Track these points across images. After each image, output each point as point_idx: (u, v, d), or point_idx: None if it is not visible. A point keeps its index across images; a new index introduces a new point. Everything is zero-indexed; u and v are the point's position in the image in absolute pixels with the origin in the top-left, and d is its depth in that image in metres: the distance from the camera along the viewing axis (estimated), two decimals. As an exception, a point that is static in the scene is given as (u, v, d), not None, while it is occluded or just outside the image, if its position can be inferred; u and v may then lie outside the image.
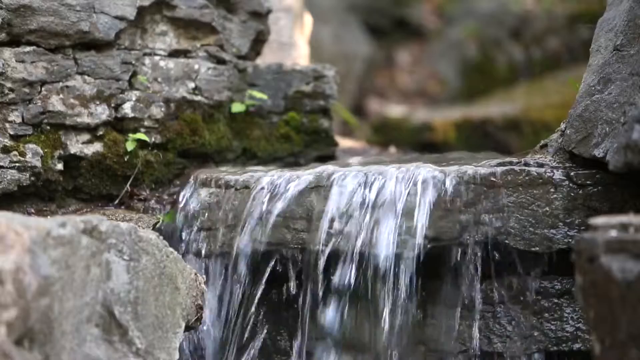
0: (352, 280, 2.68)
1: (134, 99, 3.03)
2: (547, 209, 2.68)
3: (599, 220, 2.00)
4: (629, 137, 2.30)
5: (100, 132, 3.00)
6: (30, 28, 2.88)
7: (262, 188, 2.79)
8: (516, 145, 5.28)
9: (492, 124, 5.70)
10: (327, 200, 2.72)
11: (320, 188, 2.75)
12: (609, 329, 1.90)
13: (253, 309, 2.80)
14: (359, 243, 2.68)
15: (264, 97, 3.24)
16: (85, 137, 2.99)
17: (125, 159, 3.02)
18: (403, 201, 2.68)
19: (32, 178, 2.87)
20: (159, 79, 3.09)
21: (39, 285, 1.96)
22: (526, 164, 2.74)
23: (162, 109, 3.08)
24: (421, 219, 2.66)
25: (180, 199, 2.99)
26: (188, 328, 2.40)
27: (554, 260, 2.68)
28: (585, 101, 2.75)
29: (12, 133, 2.87)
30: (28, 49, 2.89)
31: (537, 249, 2.67)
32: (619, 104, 2.66)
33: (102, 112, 2.98)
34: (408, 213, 2.67)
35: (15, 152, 2.84)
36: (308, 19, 4.57)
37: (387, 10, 7.56)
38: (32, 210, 2.93)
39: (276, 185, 2.78)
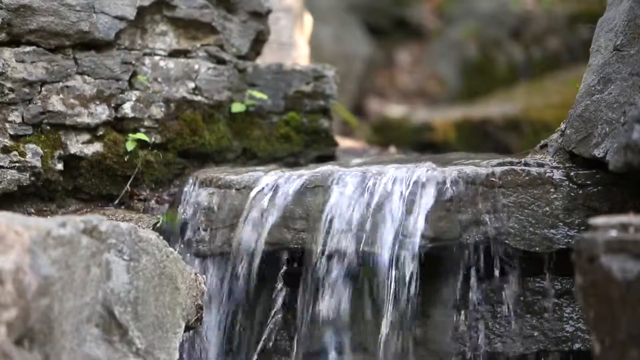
0: (352, 280, 2.68)
1: (134, 99, 3.03)
2: (547, 209, 2.68)
3: (599, 220, 2.00)
4: (629, 137, 2.30)
5: (100, 132, 3.00)
6: (30, 28, 2.88)
7: (262, 188, 2.79)
8: (516, 145, 5.27)
9: (492, 124, 5.70)
10: (327, 200, 2.72)
11: (320, 188, 2.75)
12: (609, 329, 1.90)
13: (253, 309, 2.80)
14: (358, 243, 2.68)
15: (264, 97, 3.24)
16: (85, 137, 2.99)
17: (125, 159, 3.02)
18: (403, 201, 2.68)
19: (32, 178, 2.87)
20: (159, 79, 3.09)
21: (39, 285, 1.96)
22: (526, 164, 2.74)
23: (162, 109, 3.08)
24: (421, 219, 2.66)
25: (180, 199, 2.99)
26: (188, 328, 2.40)
27: (554, 260, 2.68)
28: (585, 101, 2.75)
29: (12, 133, 2.87)
30: (28, 49, 2.89)
31: (537, 249, 2.67)
32: (619, 104, 2.66)
33: (102, 112, 2.98)
34: (408, 213, 2.67)
35: (15, 152, 2.84)
36: (308, 19, 4.57)
37: (387, 10, 7.56)
38: (32, 210, 2.93)
39: (276, 185, 2.78)
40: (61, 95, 2.93)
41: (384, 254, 2.66)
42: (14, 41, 2.89)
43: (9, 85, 2.86)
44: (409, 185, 2.69)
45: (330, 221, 2.71)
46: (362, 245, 2.67)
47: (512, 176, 2.69)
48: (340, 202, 2.71)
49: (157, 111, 3.07)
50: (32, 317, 1.96)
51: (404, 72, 7.39)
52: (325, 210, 2.71)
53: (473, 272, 2.69)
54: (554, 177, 2.70)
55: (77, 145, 2.97)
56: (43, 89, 2.91)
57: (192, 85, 3.14)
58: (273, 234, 2.75)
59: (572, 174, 2.70)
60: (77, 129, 2.97)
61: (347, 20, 7.07)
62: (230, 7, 3.25)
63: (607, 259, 1.90)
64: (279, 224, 2.75)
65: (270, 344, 2.80)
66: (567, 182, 2.70)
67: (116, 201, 3.03)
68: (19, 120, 2.88)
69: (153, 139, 3.06)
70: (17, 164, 2.84)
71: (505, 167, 2.71)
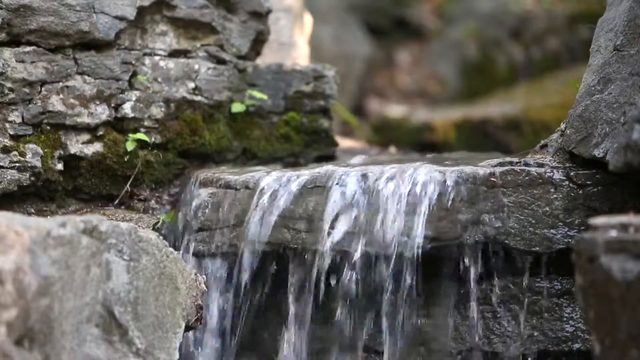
0: (352, 280, 2.68)
1: (134, 99, 3.03)
2: (547, 209, 2.68)
3: (599, 220, 2.00)
4: (629, 137, 2.30)
5: (100, 132, 3.00)
6: (30, 28, 2.88)
7: (262, 188, 2.79)
8: (516, 145, 5.27)
9: (492, 124, 5.69)
10: (327, 201, 2.72)
11: (320, 188, 2.75)
12: (609, 329, 1.90)
13: (253, 309, 2.80)
14: (358, 243, 2.68)
15: (264, 97, 3.24)
16: (85, 137, 2.99)
17: (125, 159, 3.02)
18: (403, 201, 2.68)
19: (32, 178, 2.87)
20: (159, 79, 3.09)
21: (39, 285, 1.96)
22: (526, 164, 2.74)
23: (162, 109, 3.08)
24: (421, 219, 2.66)
25: (180, 199, 2.99)
26: (188, 328, 2.40)
27: (554, 260, 2.68)
28: (585, 101, 2.75)
29: (12, 133, 2.87)
30: (28, 49, 2.89)
31: (537, 249, 2.67)
32: (619, 104, 2.66)
33: (102, 112, 2.98)
34: (408, 213, 2.67)
35: (15, 152, 2.84)
36: (308, 19, 4.57)
37: (387, 10, 7.56)
38: (32, 210, 2.93)
39: (276, 186, 2.78)
40: (61, 95, 2.93)
41: (384, 254, 2.66)
42: (14, 41, 2.89)
43: (9, 85, 2.86)
44: (409, 185, 2.69)
45: (330, 221, 2.70)
46: (362, 246, 2.67)
47: (512, 176, 2.69)
48: (341, 202, 2.71)
49: (157, 111, 3.07)
50: (32, 317, 1.96)
51: (404, 72, 7.39)
52: (326, 211, 2.71)
53: (473, 272, 2.69)
54: (554, 177, 2.70)
55: (77, 145, 2.97)
56: (43, 89, 2.91)
57: (192, 85, 3.14)
58: (273, 234, 2.75)
59: (572, 174, 2.70)
60: (77, 129, 2.97)
61: (347, 20, 7.07)
62: (230, 7, 3.25)
63: (607, 259, 1.90)
64: (279, 224, 2.75)
65: (271, 343, 2.80)
66: (567, 182, 2.70)
67: (116, 201, 3.03)
68: (19, 120, 2.88)
69: (153, 139, 3.06)
70: (17, 164, 2.84)
71: (505, 167, 2.71)
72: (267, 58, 3.58)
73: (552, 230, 2.67)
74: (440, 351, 2.72)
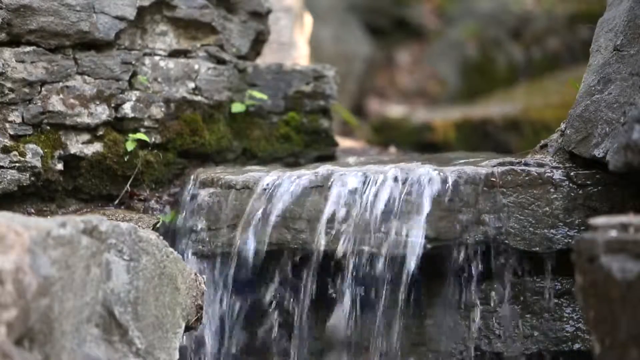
0: (352, 280, 2.68)
1: (134, 99, 3.03)
2: (547, 209, 2.68)
3: (599, 220, 2.00)
4: (629, 137, 2.30)
5: (100, 132, 3.00)
6: (30, 28, 2.88)
7: (263, 188, 2.79)
8: (516, 145, 5.27)
9: (492, 124, 5.70)
10: (327, 201, 2.72)
11: (320, 188, 2.75)
12: (609, 329, 1.90)
13: (253, 309, 2.80)
14: (358, 243, 2.68)
15: (264, 97, 3.24)
16: (85, 137, 2.99)
17: (125, 159, 3.02)
18: (403, 201, 2.68)
19: (32, 178, 2.87)
20: (159, 79, 3.09)
21: (39, 285, 1.96)
22: (526, 164, 2.74)
23: (162, 109, 3.08)
24: (421, 219, 2.66)
25: (180, 199, 2.99)
26: (188, 328, 2.40)
27: (553, 260, 2.68)
28: (585, 101, 2.75)
29: (12, 133, 2.87)
30: (28, 49, 2.89)
31: (537, 249, 2.67)
32: (619, 104, 2.66)
33: (102, 112, 2.98)
34: (408, 213, 2.67)
35: (15, 152, 2.84)
36: (308, 19, 4.57)
37: (387, 10, 7.56)
38: (32, 210, 2.93)
39: (276, 186, 2.78)
40: (61, 95, 2.93)
41: (384, 254, 2.66)
42: (14, 41, 2.89)
43: (9, 85, 2.86)
44: (409, 185, 2.69)
45: (330, 221, 2.71)
46: (362, 246, 2.67)
47: (512, 176, 2.69)
48: (340, 202, 2.71)
49: (157, 111, 3.07)
50: (32, 317, 1.96)
51: (404, 72, 7.39)
52: (325, 211, 2.71)
53: (473, 271, 2.69)
54: (554, 177, 2.70)
55: (77, 145, 2.97)
56: (43, 89, 2.91)
57: (192, 85, 3.14)
58: (273, 234, 2.75)
59: (572, 174, 2.70)
60: (77, 129, 2.97)
61: (347, 20, 7.07)
62: (230, 7, 3.25)
63: (607, 259, 1.90)
64: (279, 224, 2.75)
65: (270, 344, 2.80)
66: (567, 182, 2.70)
67: (116, 201, 3.03)
68: (19, 120, 2.88)
69: (153, 139, 3.06)
70: (17, 164, 2.84)
71: (505, 167, 2.71)
72: (267, 58, 3.58)
73: (552, 230, 2.67)
74: (440, 351, 2.72)
